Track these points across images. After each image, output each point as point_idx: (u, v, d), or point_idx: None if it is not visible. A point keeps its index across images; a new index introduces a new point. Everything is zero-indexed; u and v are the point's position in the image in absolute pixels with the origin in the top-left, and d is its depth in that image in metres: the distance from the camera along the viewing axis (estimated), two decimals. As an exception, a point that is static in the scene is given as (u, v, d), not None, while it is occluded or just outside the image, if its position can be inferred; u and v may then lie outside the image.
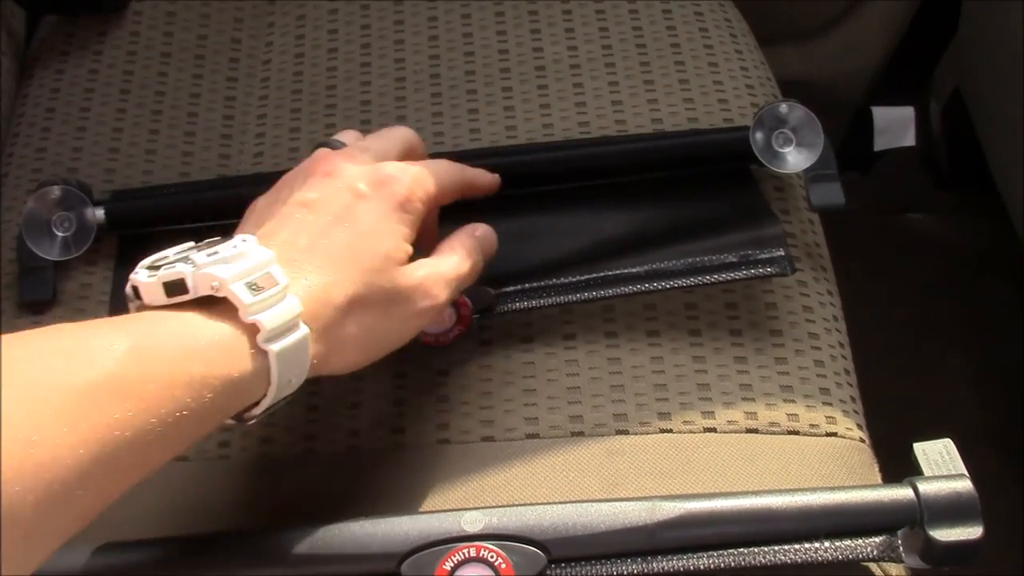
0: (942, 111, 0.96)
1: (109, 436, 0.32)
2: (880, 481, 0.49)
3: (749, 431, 0.48)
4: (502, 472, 0.47)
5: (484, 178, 0.52)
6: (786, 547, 0.41)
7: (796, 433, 0.49)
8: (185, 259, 0.38)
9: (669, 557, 0.41)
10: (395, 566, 0.41)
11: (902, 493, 0.42)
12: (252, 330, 0.37)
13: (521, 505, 0.42)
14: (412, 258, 0.44)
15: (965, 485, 0.42)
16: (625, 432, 0.48)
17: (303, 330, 0.38)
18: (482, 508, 0.42)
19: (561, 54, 0.64)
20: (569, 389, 0.50)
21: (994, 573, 0.84)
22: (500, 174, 0.53)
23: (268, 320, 0.37)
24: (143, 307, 0.38)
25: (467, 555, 0.41)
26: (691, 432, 0.48)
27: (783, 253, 0.51)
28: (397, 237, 0.43)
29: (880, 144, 1.04)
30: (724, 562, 0.41)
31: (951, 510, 0.41)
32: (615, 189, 0.57)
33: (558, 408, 0.49)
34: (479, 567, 0.41)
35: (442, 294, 0.44)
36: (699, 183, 0.58)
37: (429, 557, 0.41)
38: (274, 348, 0.37)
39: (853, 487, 0.42)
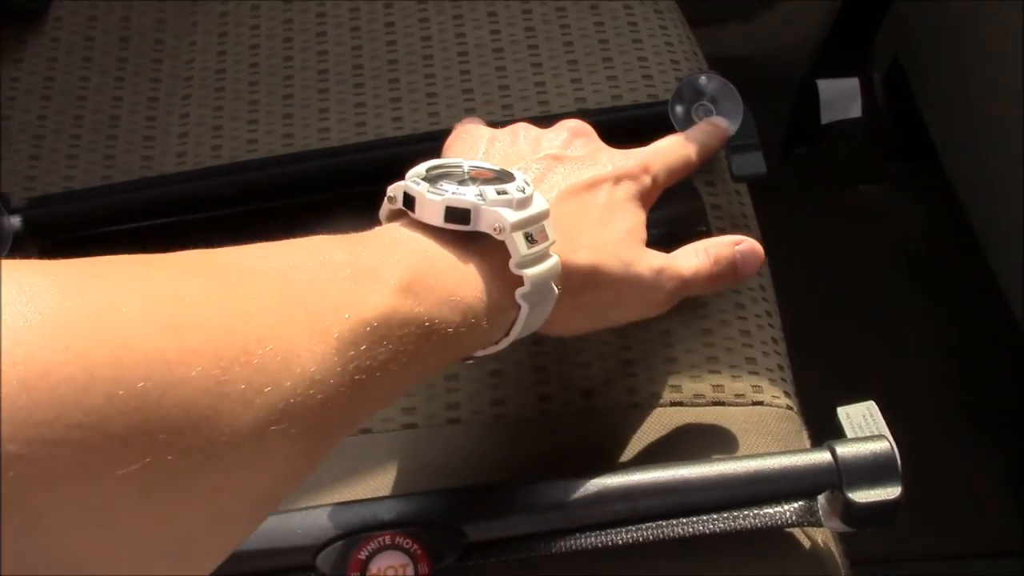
0: (883, 81, 0.96)
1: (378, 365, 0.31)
2: (809, 448, 0.49)
3: (674, 404, 0.48)
4: (422, 458, 0.46)
5: (713, 140, 0.51)
6: (704, 518, 0.41)
7: (721, 404, 0.48)
8: (472, 186, 0.37)
9: (588, 534, 0.41)
10: (310, 559, 0.41)
11: (820, 457, 0.42)
12: (514, 280, 0.37)
13: (438, 491, 0.42)
14: None
15: (882, 446, 0.42)
16: (548, 411, 0.48)
17: (554, 291, 0.38)
18: (398, 496, 0.42)
19: (484, 38, 0.64)
20: (491, 372, 0.49)
21: (946, 536, 0.84)
22: (409, 165, 0.53)
23: (532, 275, 0.36)
24: (399, 215, 0.37)
25: (382, 543, 0.40)
26: (615, 408, 0.48)
27: (706, 228, 0.51)
28: (638, 220, 0.43)
29: (827, 117, 1.04)
30: (643, 536, 0.41)
31: (869, 472, 0.41)
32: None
33: (480, 392, 0.49)
34: (395, 555, 0.40)
35: (673, 293, 0.43)
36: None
37: (344, 548, 0.40)
38: (527, 303, 0.37)
39: (772, 454, 0.42)
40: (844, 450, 0.42)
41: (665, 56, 0.63)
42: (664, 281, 0.42)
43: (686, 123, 0.55)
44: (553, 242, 0.38)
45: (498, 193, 0.37)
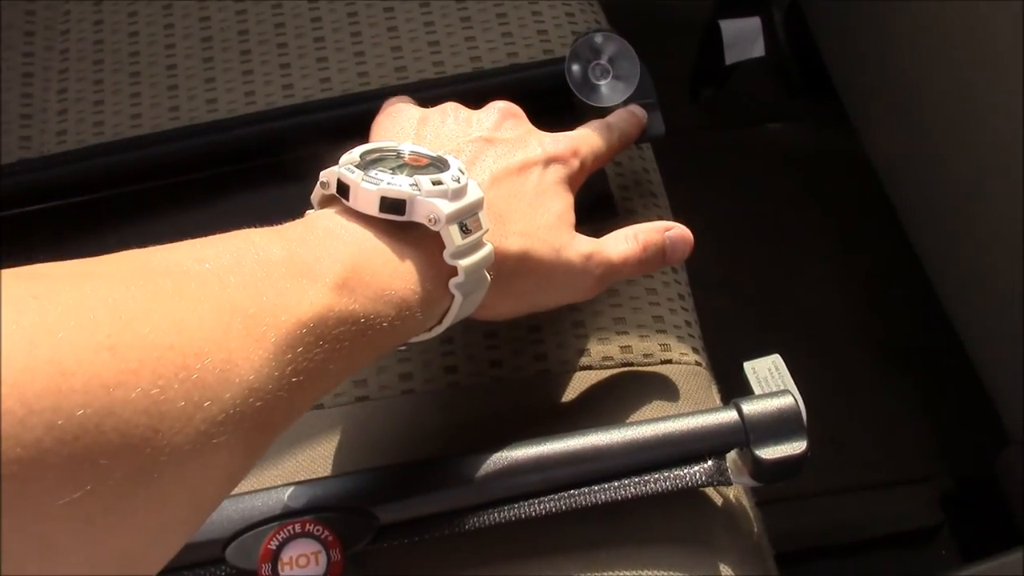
0: (783, 20, 0.97)
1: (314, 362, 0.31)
2: (719, 402, 0.49)
3: (583, 368, 0.48)
4: (330, 440, 0.45)
5: (632, 129, 0.50)
6: (616, 484, 0.41)
7: (630, 365, 0.48)
8: (406, 176, 0.36)
9: (501, 508, 0.40)
10: (219, 552, 0.40)
11: (727, 416, 0.42)
12: (448, 270, 0.36)
13: (347, 474, 0.41)
14: None
15: (787, 401, 0.42)
16: (457, 385, 0.47)
17: (487, 279, 0.38)
18: (306, 481, 0.41)
19: (373, -3, 0.62)
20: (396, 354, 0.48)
21: (859, 468, 0.86)
22: (301, 137, 0.51)
23: (466, 265, 0.36)
24: (332, 201, 0.37)
25: (292, 532, 0.39)
26: (523, 375, 0.47)
27: (614, 213, 0.51)
28: (567, 203, 0.43)
29: (731, 57, 1.04)
30: (555, 506, 0.40)
31: (775, 427, 0.41)
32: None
33: (388, 368, 0.48)
34: (305, 543, 0.40)
35: (603, 278, 0.43)
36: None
37: (253, 539, 0.40)
38: (460, 292, 0.37)
39: (679, 416, 0.42)
40: (750, 408, 0.42)
41: (560, 9, 0.62)
42: (593, 267, 0.42)
43: (583, 84, 0.54)
44: (487, 230, 0.38)
45: (433, 183, 0.36)
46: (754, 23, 1.02)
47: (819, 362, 0.92)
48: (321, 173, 0.37)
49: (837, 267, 0.99)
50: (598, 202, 0.52)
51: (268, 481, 0.42)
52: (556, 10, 0.62)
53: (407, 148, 0.39)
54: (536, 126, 0.56)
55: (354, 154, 0.38)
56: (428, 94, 0.56)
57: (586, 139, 0.46)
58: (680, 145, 1.13)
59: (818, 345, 0.93)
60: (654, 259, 0.45)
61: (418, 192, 0.36)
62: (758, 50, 1.04)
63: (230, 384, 0.28)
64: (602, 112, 0.56)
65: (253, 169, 0.54)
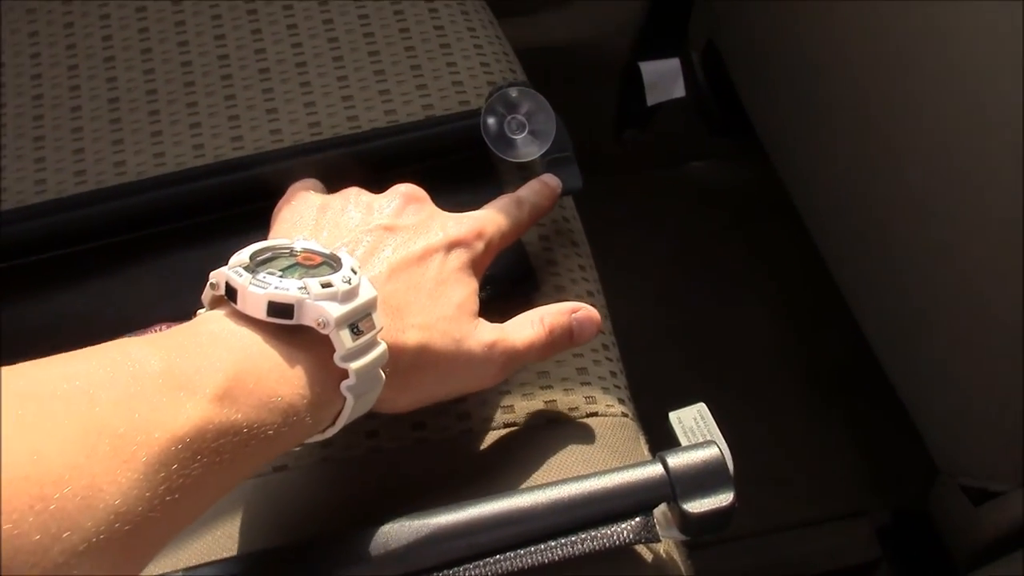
0: (700, 61, 0.98)
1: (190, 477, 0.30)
2: (647, 453, 0.48)
3: (507, 426, 0.47)
4: (244, 515, 0.44)
5: (545, 201, 0.49)
6: (543, 546, 0.40)
7: (555, 420, 0.47)
8: (296, 279, 0.35)
9: (424, 577, 0.39)
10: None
11: (652, 471, 0.41)
12: (339, 372, 0.36)
13: (259, 552, 0.40)
14: None
15: (712, 453, 0.41)
16: (378, 449, 0.46)
17: (381, 378, 0.37)
18: (211, 563, 0.39)
19: (285, 53, 0.61)
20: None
21: (799, 504, 0.86)
22: (208, 199, 0.50)
23: (357, 368, 0.36)
24: (222, 302, 0.36)
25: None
26: (446, 436, 0.46)
27: (534, 286, 0.51)
28: (469, 290, 0.42)
29: (652, 99, 1.04)
30: (482, 573, 0.39)
31: (701, 480, 0.41)
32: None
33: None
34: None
35: (506, 366, 0.42)
36: (438, 177, 0.56)
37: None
38: (352, 395, 0.36)
39: (605, 472, 0.41)
40: (675, 461, 0.41)
41: (475, 59, 0.61)
42: (496, 356, 0.42)
43: (499, 138, 0.54)
44: (381, 328, 0.37)
45: (323, 286, 0.36)
46: (673, 64, 1.03)
47: (750, 399, 0.92)
48: (211, 274, 0.36)
49: (765, 304, 1.00)
50: (519, 278, 0.52)
51: (170, 565, 0.41)
52: (471, 61, 0.61)
53: (300, 245, 0.38)
54: (453, 180, 0.56)
55: (244, 255, 0.37)
56: (342, 151, 0.55)
57: (492, 218, 0.46)
58: (606, 187, 1.14)
59: (749, 382, 0.93)
60: (560, 342, 0.45)
61: (307, 295, 0.35)
62: (679, 90, 1.04)
63: (93, 511, 0.27)
64: (520, 166, 0.56)
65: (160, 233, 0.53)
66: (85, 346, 0.33)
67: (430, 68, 0.60)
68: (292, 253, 0.38)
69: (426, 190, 0.55)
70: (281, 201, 0.45)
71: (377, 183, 0.55)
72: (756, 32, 0.78)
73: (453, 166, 0.56)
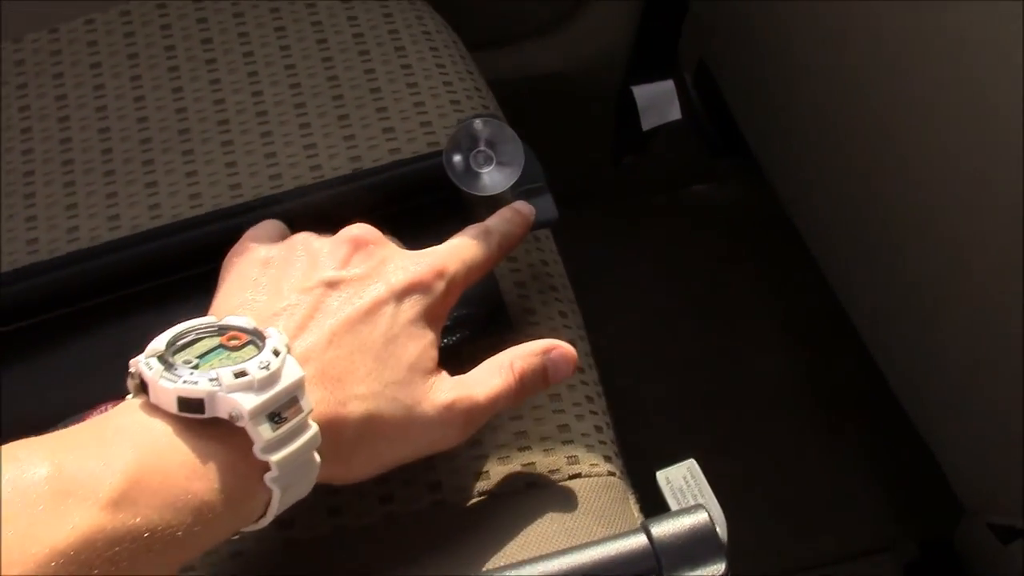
0: (693, 82, 0.94)
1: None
2: (637, 515, 0.45)
3: (482, 495, 0.43)
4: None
5: (516, 229, 0.46)
6: (517, 633, 0.36)
7: (535, 484, 0.44)
8: (215, 363, 0.34)
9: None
10: None
11: (636, 542, 0.37)
12: (261, 464, 0.33)
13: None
14: None
15: (701, 519, 0.38)
16: (343, 528, 0.42)
17: (314, 463, 0.34)
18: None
19: (245, 102, 0.58)
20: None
21: (820, 540, 0.82)
22: (149, 264, 0.48)
23: (279, 460, 0.33)
24: (140, 394, 0.33)
25: None
26: (416, 508, 0.43)
27: (499, 307, 0.48)
28: (424, 344, 0.39)
29: (648, 123, 1.01)
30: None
31: (690, 550, 0.37)
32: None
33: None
34: None
35: (470, 423, 0.39)
36: (408, 221, 0.53)
37: None
38: (278, 487, 0.33)
39: (585, 546, 0.38)
40: (661, 530, 0.37)
41: (444, 98, 0.58)
42: (455, 417, 0.39)
43: (466, 174, 0.51)
44: (310, 411, 0.34)
45: (236, 375, 0.33)
46: (667, 87, 1.00)
47: (764, 433, 0.88)
48: (130, 362, 0.34)
49: (775, 330, 0.96)
50: (490, 316, 0.48)
51: None
52: (440, 99, 0.58)
53: (226, 323, 0.36)
54: (423, 223, 0.53)
55: (161, 341, 0.35)
56: (304, 201, 0.52)
57: (455, 253, 0.42)
58: (606, 214, 1.10)
59: (762, 414, 0.89)
60: (533, 386, 0.41)
61: (218, 387, 0.32)
62: (674, 113, 1.01)
63: None
64: (491, 201, 0.52)
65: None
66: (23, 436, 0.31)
67: (397, 110, 0.57)
68: (217, 331, 0.35)
69: (396, 236, 0.52)
70: (230, 252, 0.43)
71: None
72: (746, 50, 0.75)
73: (423, 209, 0.53)
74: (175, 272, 0.51)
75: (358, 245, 0.41)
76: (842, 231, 0.71)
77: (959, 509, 0.63)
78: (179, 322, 0.36)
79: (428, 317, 0.40)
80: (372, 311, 0.39)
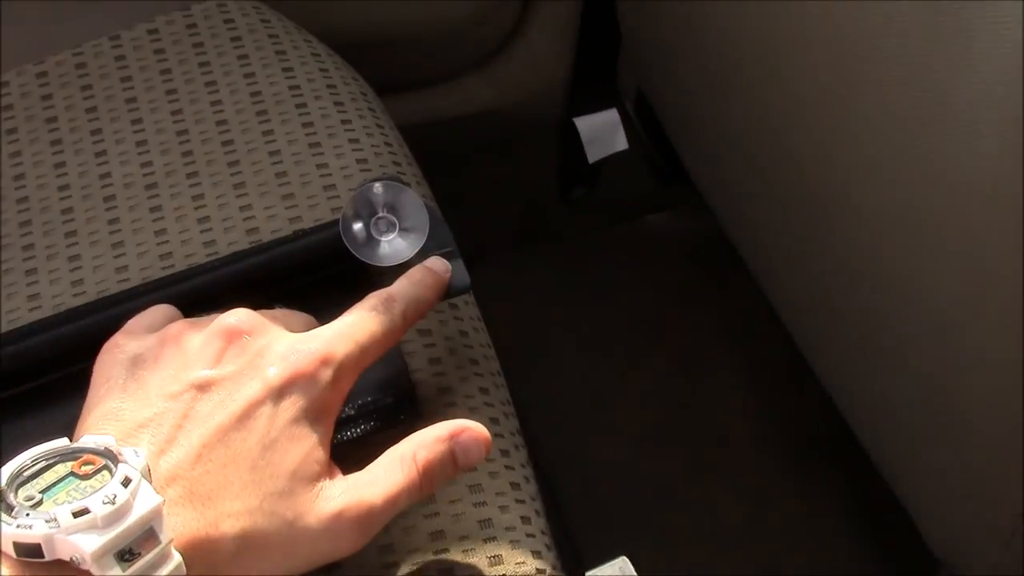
0: (635, 112, 0.90)
1: None
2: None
3: (393, 609, 0.39)
4: None
5: (427, 292, 0.42)
6: None
7: (451, 595, 0.39)
8: (59, 496, 0.30)
9: None
10: None
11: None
12: None
13: None
14: None
15: (628, 637, 0.33)
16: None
17: None
18: None
19: (134, 174, 0.54)
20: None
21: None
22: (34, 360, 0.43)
23: None
24: None
25: None
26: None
27: (407, 394, 0.43)
28: (308, 445, 0.35)
29: (593, 155, 0.97)
30: None
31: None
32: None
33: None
34: None
35: (364, 534, 0.35)
36: (309, 298, 0.48)
37: None
38: None
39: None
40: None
41: (350, 157, 0.54)
42: (347, 525, 0.34)
43: (367, 243, 0.46)
44: (171, 540, 0.30)
45: (75, 514, 0.29)
46: (611, 117, 0.96)
47: (732, 476, 0.84)
48: None
49: (738, 370, 0.91)
50: (396, 401, 0.44)
51: None
52: (345, 159, 0.54)
53: (83, 444, 0.32)
54: (326, 299, 0.49)
55: (5, 472, 0.31)
56: (195, 284, 0.48)
57: (346, 333, 0.38)
58: (554, 253, 1.06)
59: (729, 463, 0.85)
60: (441, 477, 0.37)
61: (56, 528, 0.29)
62: (621, 143, 0.97)
63: None
64: (397, 270, 0.48)
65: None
66: None
67: (297, 174, 0.53)
68: (71, 455, 0.31)
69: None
70: (103, 347, 0.39)
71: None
72: (678, 78, 0.71)
73: (328, 281, 0.49)
74: (57, 369, 0.47)
75: (232, 337, 0.36)
76: (788, 265, 0.67)
77: (935, 562, 0.58)
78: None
79: (313, 414, 0.36)
80: (246, 415, 0.34)
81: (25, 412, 0.46)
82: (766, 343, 0.93)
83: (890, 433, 0.58)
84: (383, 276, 0.49)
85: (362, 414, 0.42)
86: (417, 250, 0.46)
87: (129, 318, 0.46)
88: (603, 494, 0.85)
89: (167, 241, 0.51)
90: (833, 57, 0.52)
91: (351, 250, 0.45)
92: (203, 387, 0.35)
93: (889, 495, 0.65)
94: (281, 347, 0.36)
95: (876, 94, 0.50)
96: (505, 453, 0.45)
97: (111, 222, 0.52)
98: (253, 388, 0.35)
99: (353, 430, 0.42)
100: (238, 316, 0.37)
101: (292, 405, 0.35)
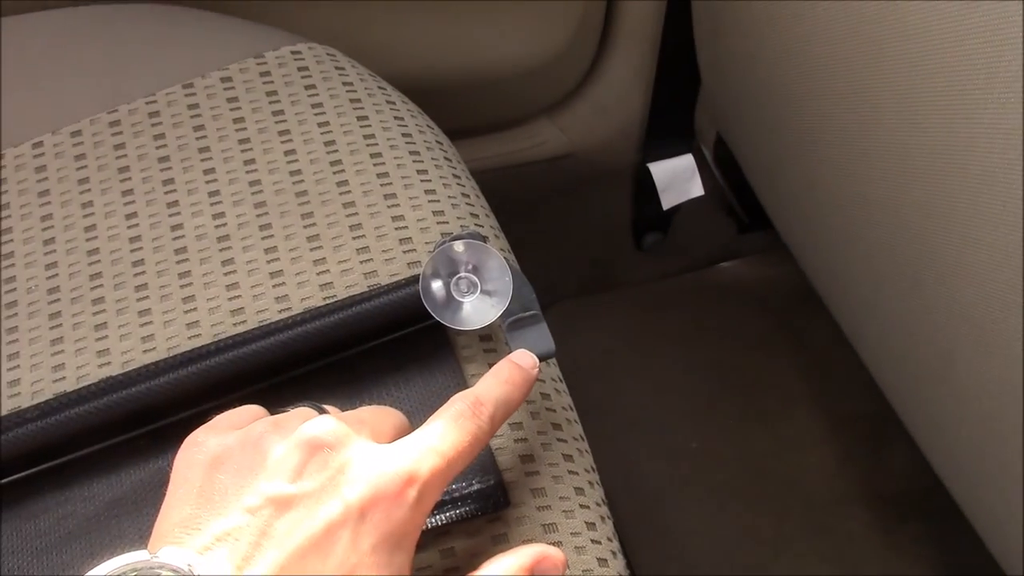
0: (713, 158, 0.88)
1: None
2: None
3: None
4: None
5: (516, 392, 0.39)
6: None
7: None
8: None
9: None
10: None
11: None
12: None
13: None
14: None
15: None
16: None
17: None
18: None
19: (206, 226, 0.52)
20: None
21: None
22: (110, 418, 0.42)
23: None
24: None
25: None
26: None
27: (494, 481, 0.41)
28: (398, 569, 0.33)
29: (668, 201, 0.94)
30: None
31: None
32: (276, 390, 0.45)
33: None
34: None
35: None
36: (385, 358, 0.46)
37: None
38: None
39: None
40: None
41: (427, 209, 0.52)
42: None
43: (447, 305, 0.44)
44: None
45: None
46: (687, 162, 0.93)
47: (815, 532, 0.80)
48: None
49: (819, 421, 0.88)
50: (481, 488, 0.41)
51: None
52: (421, 211, 0.52)
53: (164, 559, 0.31)
54: (402, 361, 0.47)
55: None
56: (268, 342, 0.46)
57: (433, 446, 0.35)
58: (629, 297, 1.04)
59: (811, 516, 0.81)
60: None
61: None
62: (696, 189, 0.94)
63: None
64: (477, 335, 0.46)
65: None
66: None
67: (372, 227, 0.51)
68: (152, 574, 0.30)
69: (371, 377, 0.46)
70: (184, 442, 0.37)
71: (313, 375, 0.47)
72: (759, 125, 0.68)
73: (402, 343, 0.47)
74: (124, 431, 0.45)
75: (313, 450, 0.34)
76: (877, 315, 0.64)
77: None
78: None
79: (395, 539, 0.33)
80: (325, 538, 0.32)
81: (93, 473, 0.45)
82: (846, 394, 0.89)
83: (989, 491, 0.54)
84: (461, 342, 0.47)
85: (445, 502, 0.40)
86: (499, 313, 0.44)
87: (200, 379, 0.45)
88: (677, 551, 0.81)
89: (239, 296, 0.49)
90: (928, 101, 0.49)
91: (430, 311, 0.43)
92: (281, 504, 0.33)
93: (982, 554, 0.62)
94: (364, 465, 0.34)
95: (969, 137, 0.47)
96: (591, 525, 0.42)
97: (182, 275, 0.50)
98: (333, 509, 0.33)
99: (436, 518, 0.40)
100: (321, 427, 0.35)
101: (374, 530, 0.33)
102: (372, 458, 0.34)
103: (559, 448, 0.45)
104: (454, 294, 0.44)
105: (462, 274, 0.44)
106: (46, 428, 0.44)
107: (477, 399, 0.38)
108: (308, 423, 0.35)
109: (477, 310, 0.44)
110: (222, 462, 0.34)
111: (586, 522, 0.42)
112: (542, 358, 0.42)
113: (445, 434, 0.36)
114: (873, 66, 0.52)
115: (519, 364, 0.40)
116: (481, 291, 0.44)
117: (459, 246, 0.44)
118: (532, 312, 0.44)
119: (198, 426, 0.37)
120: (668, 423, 0.90)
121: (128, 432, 0.45)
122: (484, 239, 0.46)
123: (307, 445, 0.34)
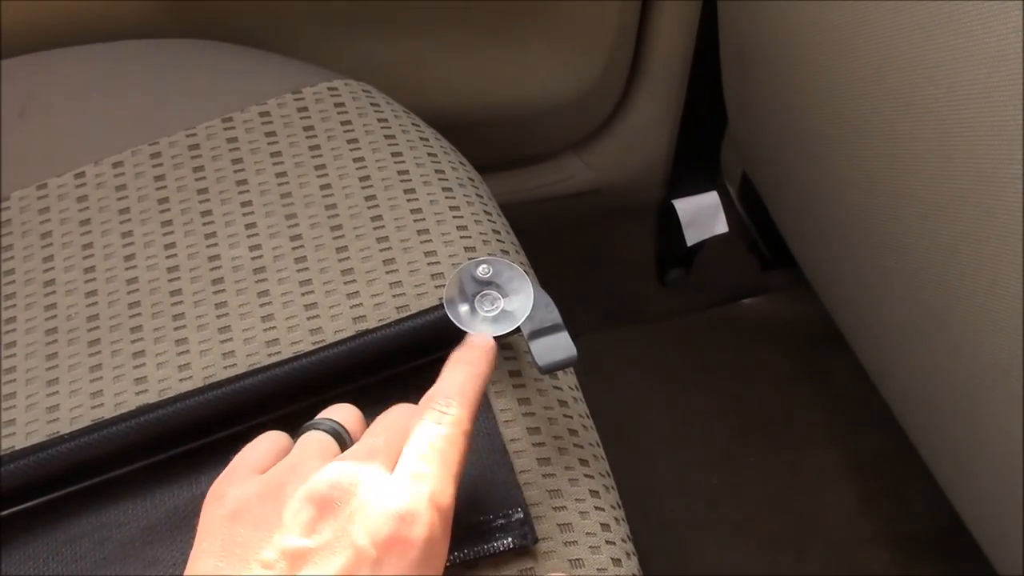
0: (738, 195, 0.89)
1: None
2: None
3: None
4: None
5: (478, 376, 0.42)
6: None
7: None
8: None
9: None
10: None
11: None
12: None
13: None
14: None
15: None
16: None
17: None
18: None
19: (242, 257, 0.53)
20: None
21: None
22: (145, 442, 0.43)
23: None
24: None
25: None
26: None
27: (522, 515, 0.41)
28: None
29: (691, 237, 0.95)
30: None
31: None
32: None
33: None
34: None
35: None
36: (416, 380, 0.47)
37: None
38: None
39: None
40: None
41: (458, 245, 0.53)
42: None
43: (473, 319, 0.45)
44: None
45: None
46: (711, 199, 0.94)
47: (839, 571, 0.80)
48: None
49: (842, 459, 0.88)
50: (507, 523, 0.42)
51: None
52: (453, 247, 0.53)
53: None
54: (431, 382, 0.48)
55: None
56: (298, 364, 0.47)
57: (426, 472, 0.36)
58: (652, 333, 1.04)
59: (833, 555, 0.81)
60: None
61: None
62: (720, 226, 0.95)
63: None
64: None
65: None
66: None
67: (405, 261, 0.52)
68: None
69: (400, 398, 0.47)
70: (209, 492, 0.38)
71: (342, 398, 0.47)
72: (788, 165, 0.69)
73: (429, 371, 0.48)
74: (157, 452, 0.46)
75: (322, 505, 0.35)
76: (902, 355, 0.64)
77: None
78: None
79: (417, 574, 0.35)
80: None
81: (127, 498, 0.46)
82: (868, 433, 0.89)
83: (1010, 532, 0.54)
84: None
85: (470, 535, 0.41)
86: (522, 320, 0.45)
87: (231, 401, 0.46)
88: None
89: (274, 327, 0.50)
90: (955, 147, 0.50)
91: (457, 324, 0.45)
92: (297, 557, 0.34)
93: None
94: (373, 510, 0.35)
95: (998, 186, 0.48)
96: (605, 527, 0.43)
97: (218, 306, 0.52)
98: (347, 559, 0.34)
99: (460, 554, 0.40)
100: (331, 476, 0.36)
101: (392, 572, 0.34)
102: (380, 500, 0.35)
103: (575, 453, 0.45)
104: (478, 310, 0.45)
105: (485, 292, 0.46)
106: (80, 447, 0.45)
107: (445, 396, 0.40)
108: (319, 474, 0.36)
109: (499, 324, 0.45)
110: (241, 515, 0.36)
111: (601, 523, 0.43)
112: (565, 365, 0.44)
113: (429, 454, 0.37)
114: (902, 111, 0.53)
115: (468, 343, 0.43)
116: (503, 307, 0.45)
117: (480, 266, 0.46)
118: (553, 323, 0.45)
119: (229, 448, 0.38)
120: (689, 459, 0.90)
121: (161, 453, 0.46)
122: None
123: (316, 500, 0.35)
